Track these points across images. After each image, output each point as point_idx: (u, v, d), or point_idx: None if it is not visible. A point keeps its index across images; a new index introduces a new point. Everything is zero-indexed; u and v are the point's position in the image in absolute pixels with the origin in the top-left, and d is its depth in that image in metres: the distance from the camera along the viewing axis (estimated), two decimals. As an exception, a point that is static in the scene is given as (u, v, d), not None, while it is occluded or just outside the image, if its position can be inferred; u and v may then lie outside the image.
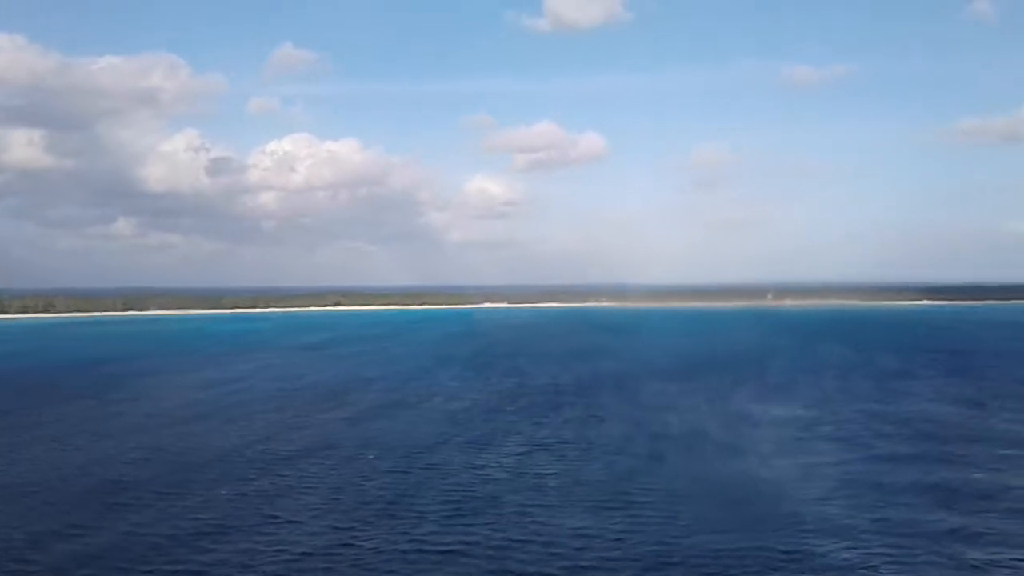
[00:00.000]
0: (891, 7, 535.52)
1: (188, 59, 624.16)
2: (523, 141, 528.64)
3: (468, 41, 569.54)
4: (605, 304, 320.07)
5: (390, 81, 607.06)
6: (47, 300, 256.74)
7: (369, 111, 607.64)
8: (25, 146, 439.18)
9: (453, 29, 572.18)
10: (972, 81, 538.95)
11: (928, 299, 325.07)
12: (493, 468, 51.12)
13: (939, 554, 34.86)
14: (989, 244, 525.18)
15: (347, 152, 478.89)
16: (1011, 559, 34.47)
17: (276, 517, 41.31)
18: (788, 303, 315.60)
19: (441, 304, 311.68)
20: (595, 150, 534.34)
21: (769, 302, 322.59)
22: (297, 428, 65.27)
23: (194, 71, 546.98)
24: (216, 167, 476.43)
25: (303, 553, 35.85)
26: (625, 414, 69.49)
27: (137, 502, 44.25)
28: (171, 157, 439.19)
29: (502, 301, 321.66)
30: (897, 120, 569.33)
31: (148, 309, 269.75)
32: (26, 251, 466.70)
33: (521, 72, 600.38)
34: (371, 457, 54.37)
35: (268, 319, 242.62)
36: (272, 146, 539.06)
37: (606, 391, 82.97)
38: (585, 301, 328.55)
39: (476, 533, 38.29)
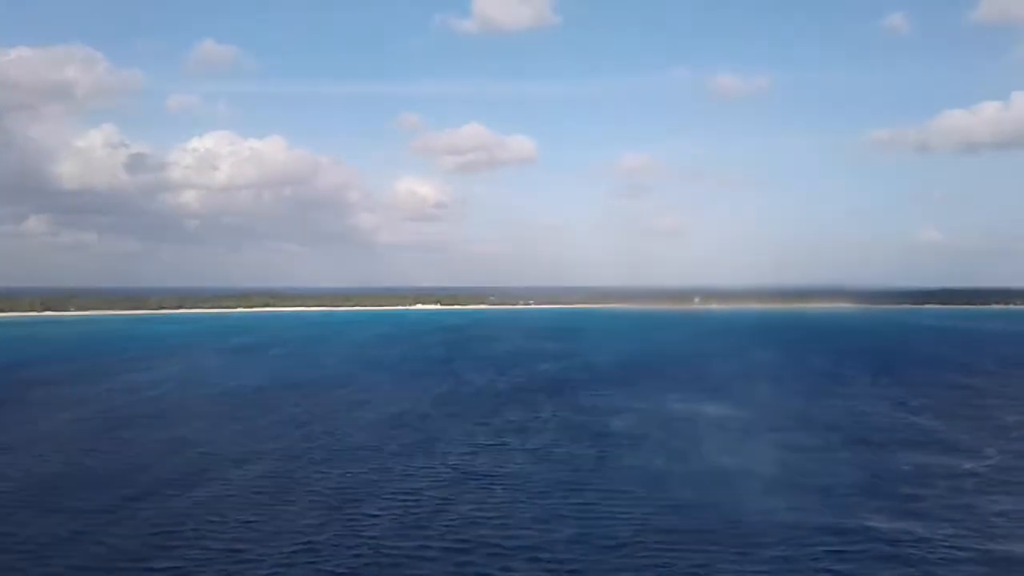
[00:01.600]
0: (809, 19, 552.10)
1: (105, 52, 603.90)
2: (452, 143, 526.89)
3: (396, 42, 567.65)
4: (536, 306, 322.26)
5: (317, 80, 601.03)
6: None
7: (295, 110, 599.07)
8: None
9: (380, 29, 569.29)
10: (885, 93, 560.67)
11: (848, 303, 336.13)
12: (441, 469, 51.34)
13: (877, 538, 36.73)
14: (900, 251, 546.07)
15: (272, 150, 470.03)
16: (944, 536, 36.54)
17: (225, 520, 40.82)
18: (715, 306, 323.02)
19: (372, 306, 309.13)
20: (524, 152, 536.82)
21: (696, 305, 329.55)
22: (236, 432, 64.26)
23: (111, 65, 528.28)
24: (135, 164, 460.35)
25: (261, 556, 35.56)
26: (570, 418, 70.23)
27: (73, 508, 43.06)
28: (86, 153, 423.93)
29: (434, 303, 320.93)
30: (815, 130, 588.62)
31: (68, 310, 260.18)
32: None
33: (449, 74, 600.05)
34: (316, 459, 54.04)
35: (195, 320, 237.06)
36: (194, 143, 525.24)
37: (547, 394, 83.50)
38: (516, 303, 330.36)
39: (432, 533, 38.54)
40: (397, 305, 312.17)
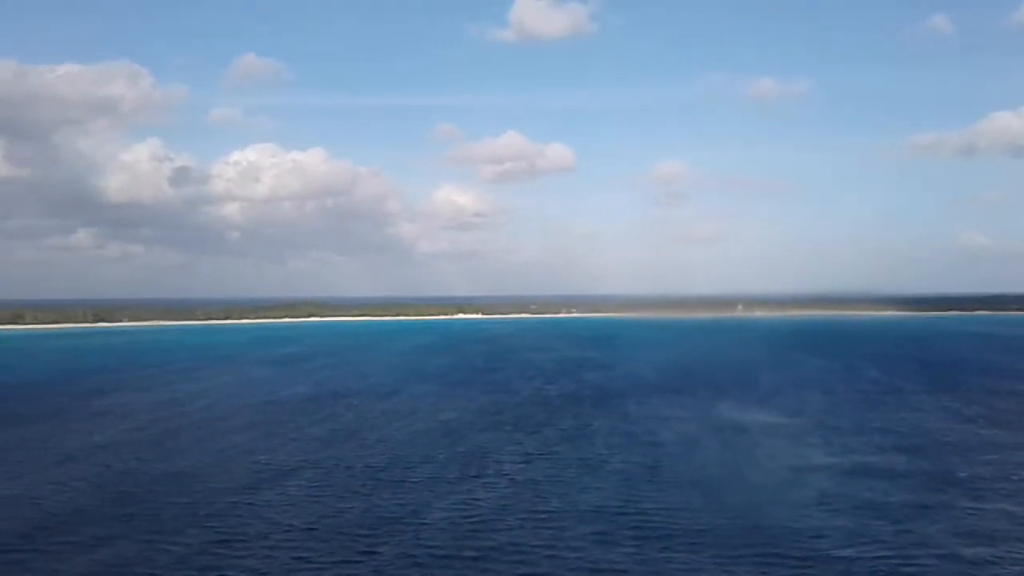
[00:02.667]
0: (849, 22, 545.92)
1: (150, 68, 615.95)
2: (490, 152, 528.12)
3: (433, 52, 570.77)
4: (578, 315, 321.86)
5: (356, 92, 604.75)
6: (14, 312, 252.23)
7: (334, 122, 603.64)
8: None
9: (417, 40, 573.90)
10: (928, 96, 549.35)
11: (893, 310, 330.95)
12: (494, 478, 51.71)
13: (941, 550, 36.42)
14: (945, 256, 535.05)
15: (313, 162, 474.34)
16: (1010, 543, 36.07)
17: (288, 528, 41.57)
18: (758, 314, 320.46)
19: (415, 315, 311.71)
20: (562, 161, 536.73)
21: (740, 313, 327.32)
22: (290, 440, 65.25)
23: (156, 80, 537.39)
24: (179, 177, 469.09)
25: (326, 564, 36.26)
26: (621, 427, 69.80)
27: (137, 517, 43.71)
28: (132, 167, 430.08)
29: (476, 312, 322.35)
30: (856, 134, 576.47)
31: (119, 320, 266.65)
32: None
33: (487, 83, 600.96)
34: (372, 467, 54.75)
35: (242, 331, 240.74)
36: (236, 156, 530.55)
37: (596, 405, 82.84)
38: (558, 312, 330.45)
39: (490, 542, 38.90)
40: (440, 314, 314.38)
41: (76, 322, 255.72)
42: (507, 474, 52.90)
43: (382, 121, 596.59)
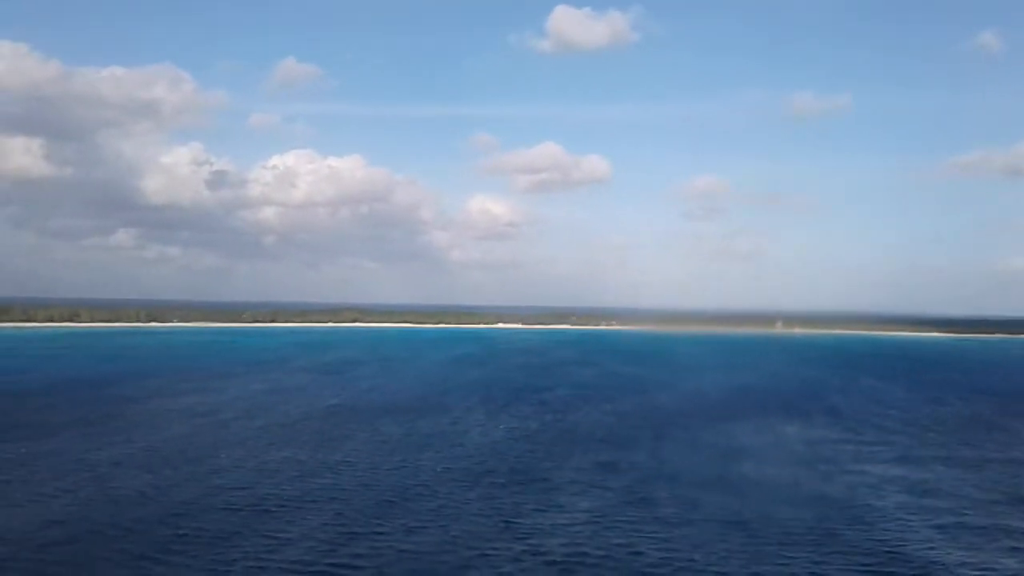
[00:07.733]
0: (893, 37, 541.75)
1: (192, 73, 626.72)
2: (525, 162, 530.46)
3: (472, 62, 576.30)
4: (618, 327, 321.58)
5: (394, 100, 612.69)
6: (71, 310, 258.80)
7: (372, 129, 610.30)
8: (23, 154, 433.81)
9: (457, 50, 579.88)
10: (974, 114, 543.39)
11: (935, 331, 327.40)
12: (581, 494, 52.30)
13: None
14: (988, 279, 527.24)
15: (348, 168, 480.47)
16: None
17: (393, 530, 42.69)
18: (798, 331, 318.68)
19: (455, 323, 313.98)
20: (598, 173, 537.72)
21: (779, 330, 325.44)
22: (374, 448, 66.50)
23: (198, 85, 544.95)
24: (217, 180, 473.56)
25: (441, 561, 37.59)
26: (697, 453, 65.85)
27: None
28: (172, 169, 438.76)
29: (516, 322, 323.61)
30: (898, 152, 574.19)
31: (170, 321, 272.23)
32: (24, 261, 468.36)
33: (524, 93, 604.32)
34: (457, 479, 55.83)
35: (286, 334, 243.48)
36: (274, 161, 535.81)
37: (658, 426, 78.85)
38: (598, 324, 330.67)
39: (591, 548, 39.87)
40: (480, 323, 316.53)
41: (129, 321, 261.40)
42: (582, 510, 53.34)
43: (419, 129, 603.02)
